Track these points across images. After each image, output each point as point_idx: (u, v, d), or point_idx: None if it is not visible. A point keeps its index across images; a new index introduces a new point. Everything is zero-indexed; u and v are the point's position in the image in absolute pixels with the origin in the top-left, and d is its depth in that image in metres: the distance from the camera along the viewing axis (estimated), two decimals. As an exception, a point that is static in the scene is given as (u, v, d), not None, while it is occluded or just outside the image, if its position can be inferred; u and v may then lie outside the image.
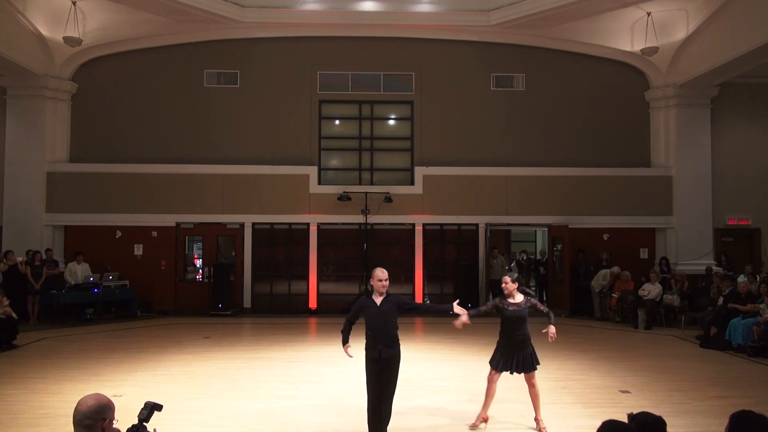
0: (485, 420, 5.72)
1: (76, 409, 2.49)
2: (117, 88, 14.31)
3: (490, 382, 5.67)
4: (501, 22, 13.50)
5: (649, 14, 12.77)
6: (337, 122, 15.03)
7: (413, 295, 14.11)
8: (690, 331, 11.30)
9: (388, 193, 13.76)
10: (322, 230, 14.22)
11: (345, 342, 5.33)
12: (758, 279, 11.22)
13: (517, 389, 6.09)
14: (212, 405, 6.47)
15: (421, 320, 13.17)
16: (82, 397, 2.56)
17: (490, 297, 14.23)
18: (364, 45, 14.50)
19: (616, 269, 13.16)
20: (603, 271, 13.32)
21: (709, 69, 12.72)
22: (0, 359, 8.80)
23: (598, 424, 2.62)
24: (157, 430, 2.68)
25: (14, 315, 9.88)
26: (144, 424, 2.65)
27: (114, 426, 2.55)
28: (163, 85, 14.39)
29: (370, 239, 13.99)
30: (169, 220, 13.94)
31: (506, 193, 14.18)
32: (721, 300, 10.83)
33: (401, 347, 5.22)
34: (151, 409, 2.70)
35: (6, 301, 9.96)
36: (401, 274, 14.43)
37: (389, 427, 5.29)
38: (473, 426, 5.67)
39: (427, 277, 14.32)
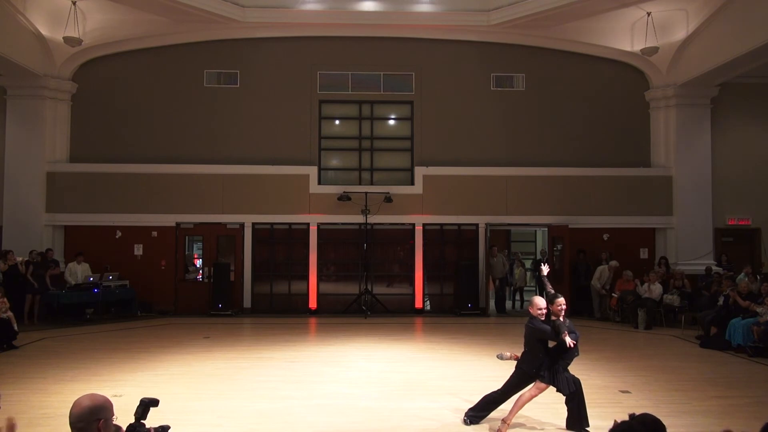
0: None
1: (70, 411, 2.47)
2: (117, 88, 14.31)
3: None
4: (501, 22, 13.51)
5: (649, 14, 12.78)
6: (337, 122, 15.03)
7: (413, 295, 14.13)
8: (690, 331, 11.31)
9: (388, 193, 13.76)
10: (322, 230, 14.22)
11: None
12: (758, 279, 11.21)
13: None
14: (212, 405, 6.46)
15: (421, 320, 13.19)
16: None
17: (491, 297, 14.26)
18: (364, 45, 14.50)
19: (614, 263, 13.17)
20: (601, 267, 13.34)
21: (709, 69, 12.71)
22: (0, 359, 8.80)
23: (599, 424, 2.63)
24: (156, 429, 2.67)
25: (15, 327, 9.78)
26: (142, 421, 2.64)
27: (115, 423, 2.53)
28: (163, 85, 14.39)
29: (370, 239, 13.99)
30: (169, 220, 13.95)
31: (506, 193, 14.17)
32: (721, 300, 10.83)
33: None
34: (146, 405, 2.67)
35: (7, 303, 9.92)
36: (401, 274, 14.48)
37: (389, 426, 5.28)
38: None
39: (427, 277, 14.32)
